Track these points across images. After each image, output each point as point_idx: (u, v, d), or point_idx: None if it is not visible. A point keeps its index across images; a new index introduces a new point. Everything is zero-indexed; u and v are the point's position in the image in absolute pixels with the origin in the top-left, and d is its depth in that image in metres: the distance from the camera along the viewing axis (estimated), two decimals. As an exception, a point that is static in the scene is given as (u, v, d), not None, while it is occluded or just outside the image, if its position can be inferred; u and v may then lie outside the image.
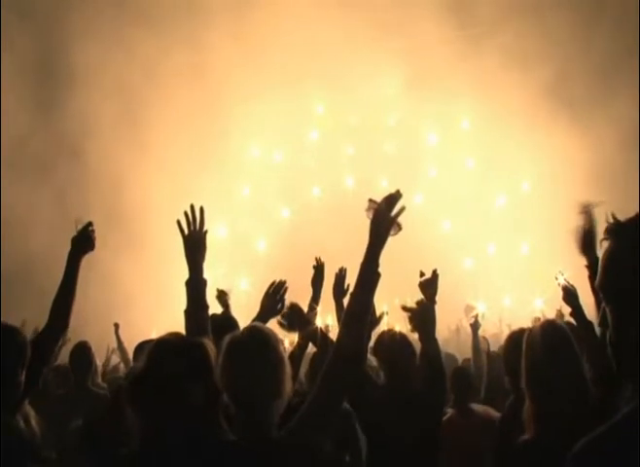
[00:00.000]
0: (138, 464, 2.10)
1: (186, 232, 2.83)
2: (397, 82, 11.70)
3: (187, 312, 2.77)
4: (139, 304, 9.76)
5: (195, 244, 2.81)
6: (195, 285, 2.77)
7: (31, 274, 8.61)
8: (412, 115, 12.09)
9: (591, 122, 10.89)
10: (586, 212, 3.19)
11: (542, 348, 2.84)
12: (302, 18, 11.14)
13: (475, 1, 11.74)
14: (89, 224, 3.21)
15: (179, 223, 2.83)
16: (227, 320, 3.37)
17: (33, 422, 2.79)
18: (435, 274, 3.63)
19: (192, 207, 2.84)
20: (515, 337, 3.47)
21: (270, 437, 2.18)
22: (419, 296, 3.63)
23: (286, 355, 2.36)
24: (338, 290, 3.94)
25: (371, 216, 2.30)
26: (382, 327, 3.98)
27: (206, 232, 2.84)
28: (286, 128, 12.11)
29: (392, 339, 3.63)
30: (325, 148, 12.33)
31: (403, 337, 3.65)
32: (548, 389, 2.80)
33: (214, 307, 3.69)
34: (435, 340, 3.49)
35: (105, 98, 10.81)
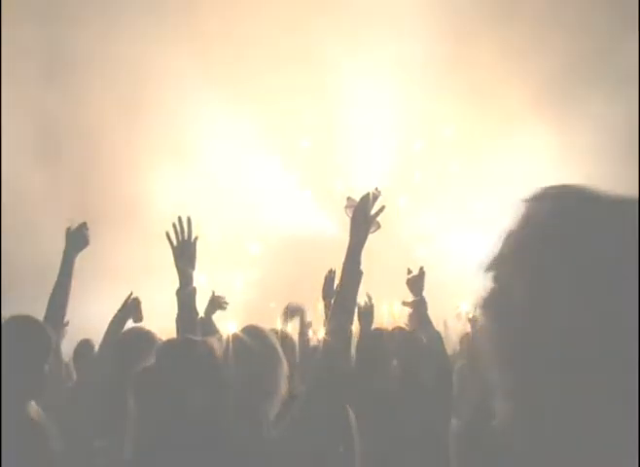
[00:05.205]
0: (140, 463, 2.13)
1: (174, 243, 2.89)
2: (388, 84, 11.83)
3: (177, 320, 2.86)
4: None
5: (184, 254, 2.89)
6: (186, 294, 2.86)
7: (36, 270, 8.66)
8: (402, 117, 12.20)
9: (580, 123, 11.01)
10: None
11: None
12: (296, 23, 11.27)
13: (465, 3, 11.86)
14: (84, 224, 3.42)
15: (168, 235, 2.91)
16: (205, 324, 3.53)
17: (33, 413, 2.76)
18: (422, 272, 3.73)
19: (179, 219, 2.91)
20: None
21: (264, 435, 2.23)
22: (407, 294, 3.75)
23: (284, 356, 2.42)
24: (327, 291, 3.98)
25: (350, 214, 2.38)
26: (376, 321, 4.07)
27: (196, 238, 2.91)
28: (278, 134, 12.21)
29: (403, 335, 3.67)
30: (315, 153, 12.44)
31: (413, 333, 3.70)
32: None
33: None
34: (435, 333, 3.55)
35: (103, 94, 10.86)
